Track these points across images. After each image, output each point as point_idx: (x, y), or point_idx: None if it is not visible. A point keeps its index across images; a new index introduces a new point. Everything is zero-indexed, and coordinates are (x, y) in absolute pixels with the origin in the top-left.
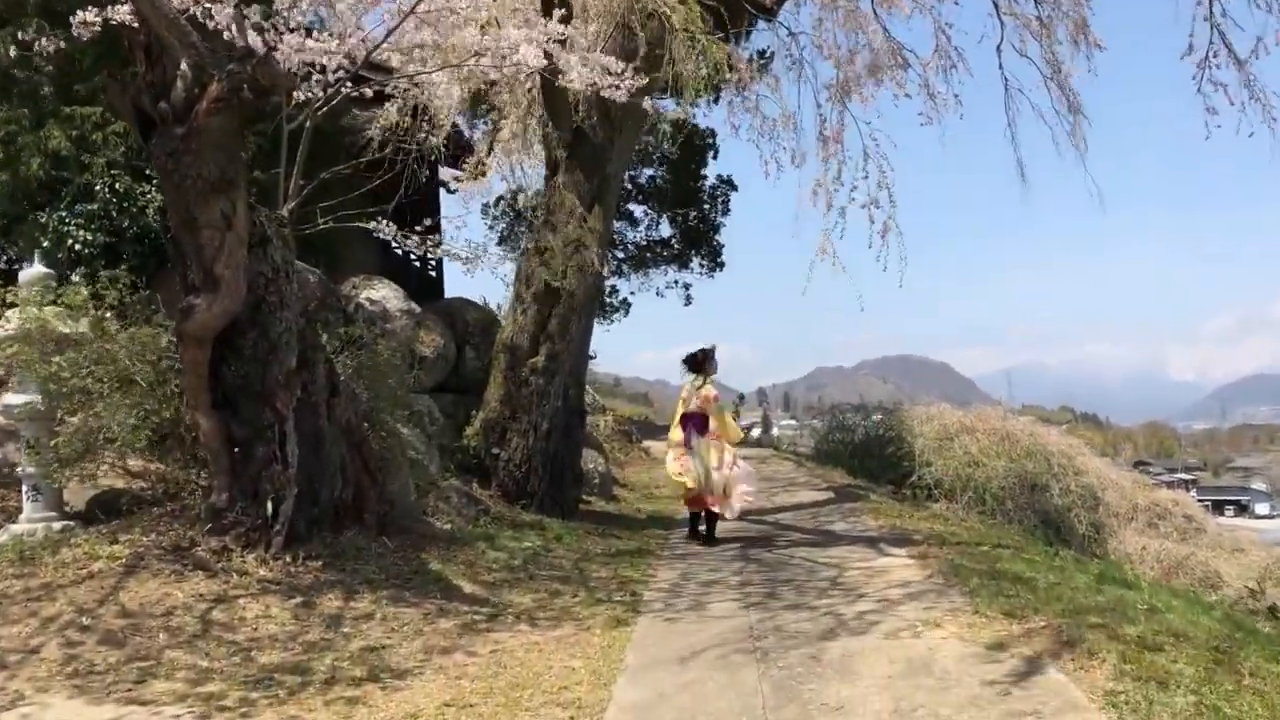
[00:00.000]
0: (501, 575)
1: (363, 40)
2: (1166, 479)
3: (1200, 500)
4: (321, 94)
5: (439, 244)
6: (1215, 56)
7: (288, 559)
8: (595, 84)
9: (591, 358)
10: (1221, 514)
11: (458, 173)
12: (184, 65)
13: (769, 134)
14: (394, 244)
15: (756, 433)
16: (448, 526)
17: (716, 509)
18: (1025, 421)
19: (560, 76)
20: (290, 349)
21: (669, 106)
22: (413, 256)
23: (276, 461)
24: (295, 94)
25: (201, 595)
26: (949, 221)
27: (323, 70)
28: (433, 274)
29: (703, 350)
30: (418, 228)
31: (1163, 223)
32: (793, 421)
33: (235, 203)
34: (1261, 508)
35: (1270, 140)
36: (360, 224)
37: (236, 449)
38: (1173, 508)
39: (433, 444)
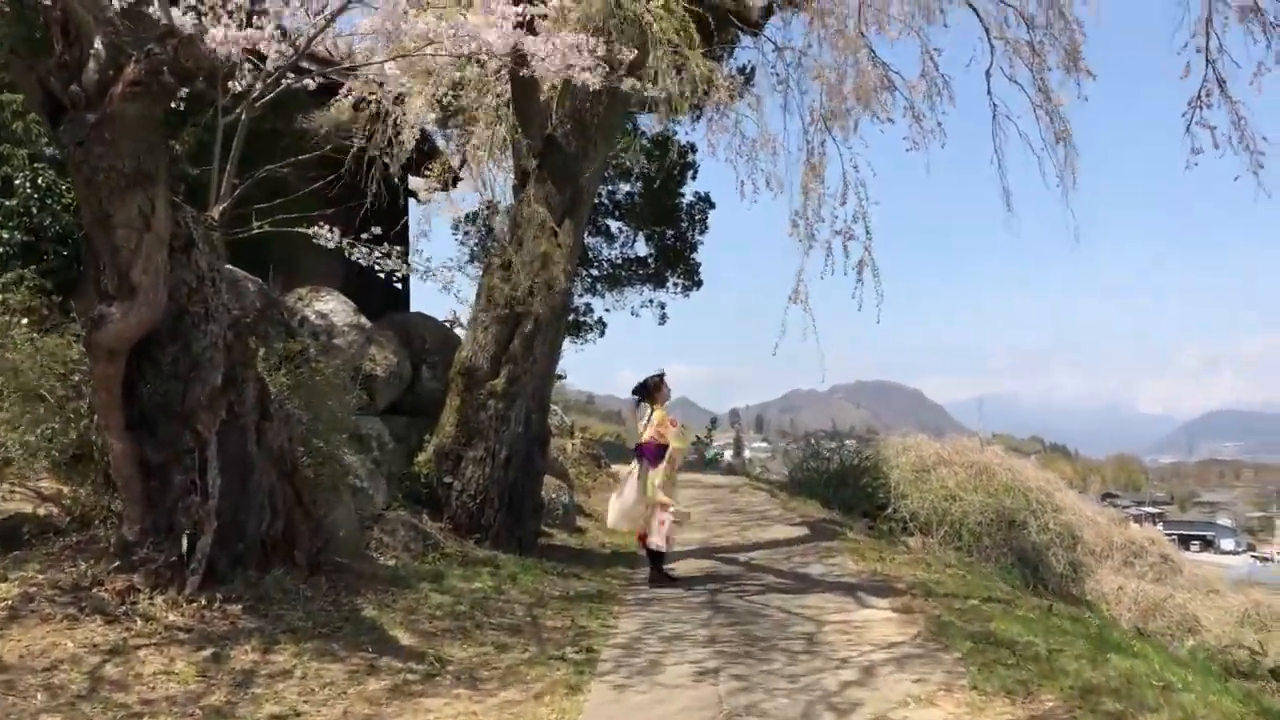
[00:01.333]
0: (444, 624)
1: (312, 23)
2: (1134, 512)
3: (1167, 534)
4: (260, 85)
5: (392, 254)
6: (1208, 95)
7: (203, 602)
8: (570, 65)
9: (560, 378)
10: (1187, 549)
11: (429, 183)
12: (98, 44)
13: (748, 155)
14: (346, 253)
15: (728, 455)
16: (392, 563)
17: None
18: (1003, 454)
19: (528, 63)
20: (215, 366)
21: (648, 121)
22: (376, 269)
23: (195, 491)
24: (232, 83)
25: (95, 645)
26: (927, 248)
27: (263, 58)
28: (398, 287)
29: (651, 378)
30: (364, 235)
31: (1139, 255)
32: (765, 444)
33: (155, 200)
34: (1227, 543)
35: (1253, 183)
36: (300, 229)
37: (151, 476)
38: (1149, 546)
39: (380, 471)
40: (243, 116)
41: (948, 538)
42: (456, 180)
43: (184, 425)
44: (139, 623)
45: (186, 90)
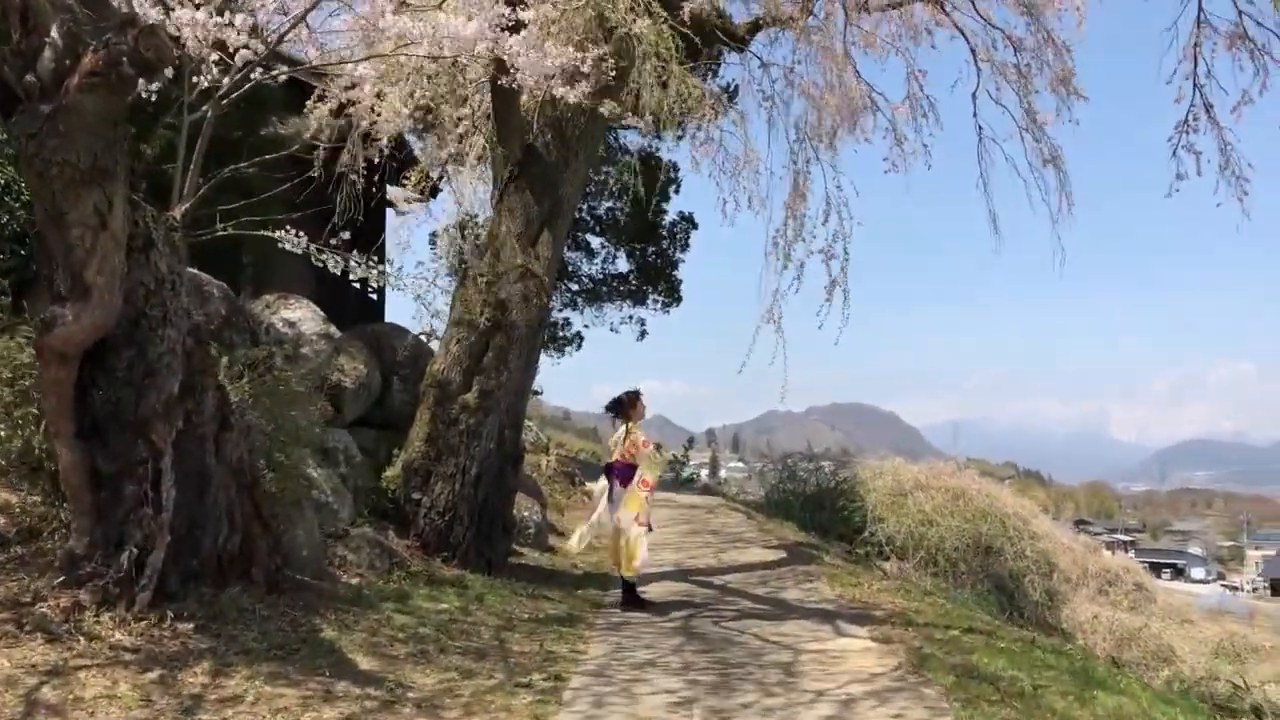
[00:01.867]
0: (407, 647)
1: (286, 20)
2: (1106, 539)
3: (1139, 562)
4: (228, 80)
5: (362, 262)
6: (1195, 120)
7: (152, 620)
8: (549, 75)
9: (537, 393)
10: (1158, 576)
11: (408, 193)
12: (54, 32)
13: (732, 173)
14: (313, 259)
15: (704, 474)
16: (355, 581)
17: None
18: (979, 479)
19: (509, 73)
20: (172, 373)
21: (632, 138)
22: (352, 279)
23: (147, 504)
24: (198, 79)
25: (34, 666)
26: (908, 269)
27: (231, 54)
28: (373, 298)
29: (627, 394)
30: (332, 241)
31: (1114, 284)
32: (741, 464)
33: (112, 198)
34: (1197, 572)
35: (1238, 212)
36: (265, 232)
37: (102, 487)
38: (1124, 574)
39: (347, 485)
40: (209, 114)
41: (924, 562)
42: (435, 191)
43: (138, 435)
44: (82, 642)
45: (157, 87)
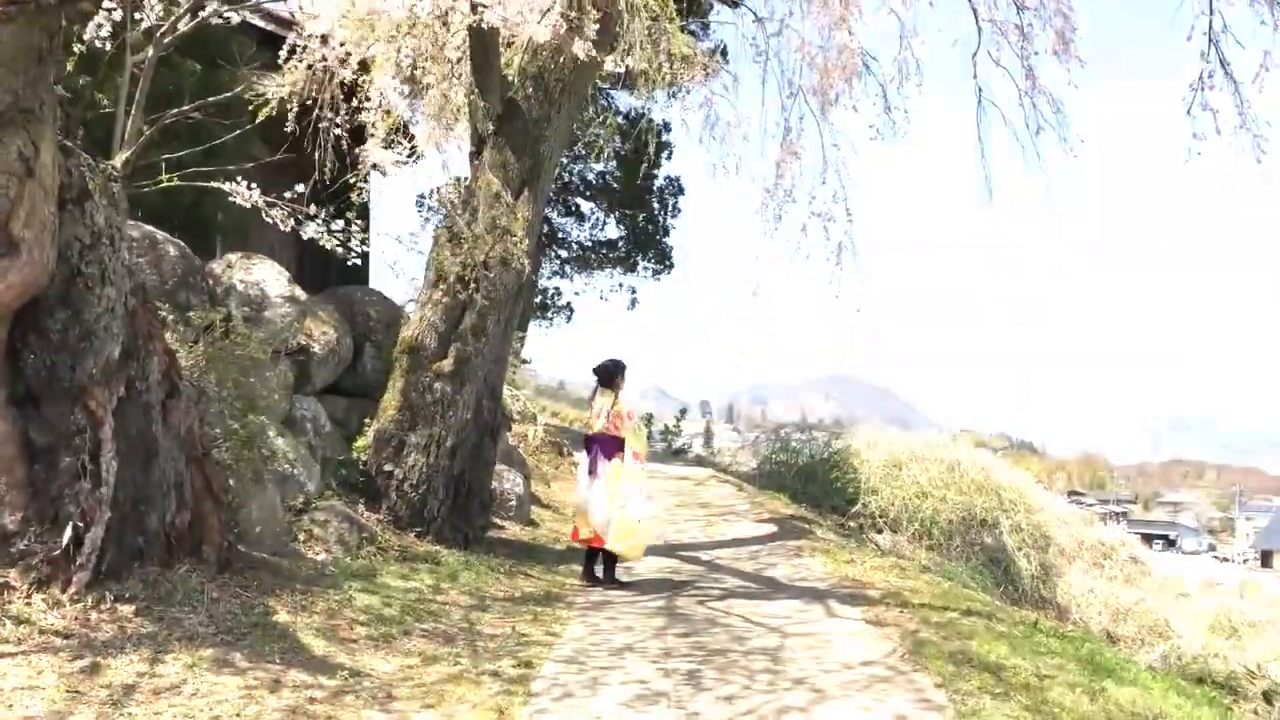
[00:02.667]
0: (368, 630)
1: None
2: (1099, 510)
3: (1130, 533)
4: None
5: (317, 217)
6: (1210, 78)
7: (89, 602)
8: (537, 10)
9: (526, 362)
10: (1150, 547)
11: (396, 156)
12: None
13: (722, 137)
14: (264, 214)
15: (698, 445)
16: (321, 557)
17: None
18: (974, 452)
19: (480, 11)
20: (112, 335)
21: (623, 98)
22: (304, 236)
23: (85, 477)
24: (141, 15)
25: None
26: (898, 238)
27: None
28: (358, 263)
29: (613, 361)
30: (287, 194)
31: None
32: (736, 434)
33: (38, 142)
34: (1189, 543)
35: (1256, 173)
36: (215, 183)
37: (36, 458)
38: (1119, 547)
39: (315, 456)
40: (149, 55)
41: (917, 535)
42: (415, 151)
43: (75, 402)
44: (9, 626)
45: (108, 33)
